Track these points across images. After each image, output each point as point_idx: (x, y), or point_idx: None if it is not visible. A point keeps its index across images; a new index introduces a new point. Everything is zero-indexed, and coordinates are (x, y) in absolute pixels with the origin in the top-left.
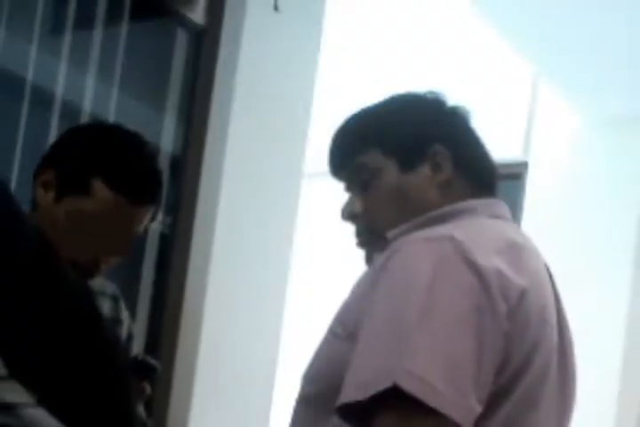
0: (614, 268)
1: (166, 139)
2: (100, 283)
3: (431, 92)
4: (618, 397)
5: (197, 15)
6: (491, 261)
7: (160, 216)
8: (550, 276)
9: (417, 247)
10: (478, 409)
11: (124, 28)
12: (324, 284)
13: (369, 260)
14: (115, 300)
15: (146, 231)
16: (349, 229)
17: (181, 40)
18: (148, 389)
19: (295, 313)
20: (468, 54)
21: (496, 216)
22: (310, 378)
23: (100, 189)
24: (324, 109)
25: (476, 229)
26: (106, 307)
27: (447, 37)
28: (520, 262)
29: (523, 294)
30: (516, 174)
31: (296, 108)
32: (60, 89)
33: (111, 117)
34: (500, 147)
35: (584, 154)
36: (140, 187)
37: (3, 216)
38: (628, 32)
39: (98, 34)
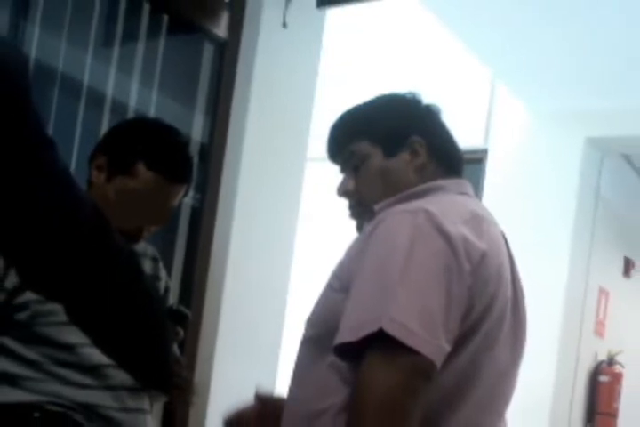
0: (556, 234)
1: (196, 130)
2: (142, 246)
3: (410, 93)
4: (559, 338)
5: (221, 31)
6: (457, 228)
7: (191, 193)
8: (506, 241)
9: (398, 218)
10: (447, 349)
11: (162, 41)
12: (323, 247)
13: (359, 228)
14: (154, 260)
15: (179, 205)
16: (343, 203)
17: (208, 51)
18: (181, 332)
19: (299, 272)
20: (439, 62)
21: (462, 193)
22: (312, 323)
23: (142, 170)
24: (323, 106)
25: (445, 203)
26: (147, 266)
27: (423, 48)
28: (481, 230)
29: (483, 255)
30: (478, 159)
31: (301, 105)
32: (110, 90)
33: (151, 113)
34: (464, 137)
35: (533, 143)
36: (175, 169)
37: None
38: (571, 42)
39: (141, 46)
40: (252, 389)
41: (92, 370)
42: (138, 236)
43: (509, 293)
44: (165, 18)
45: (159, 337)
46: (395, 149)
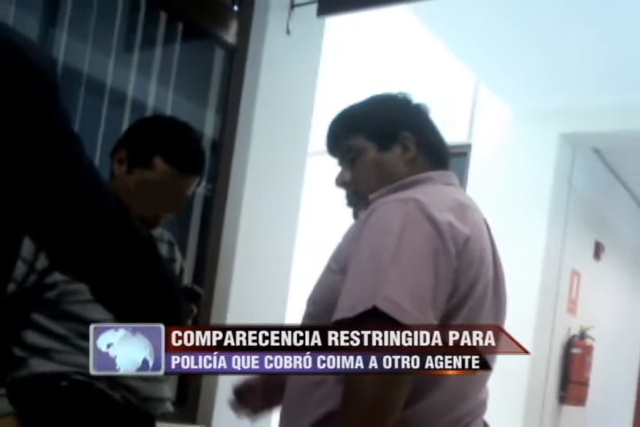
0: (533, 221)
1: (208, 127)
2: (159, 232)
3: (401, 93)
4: (535, 315)
5: (230, 37)
6: (444, 215)
7: (204, 183)
8: (487, 227)
9: (390, 206)
10: (435, 324)
11: (177, 46)
12: (323, 233)
13: (355, 215)
14: (170, 244)
15: (193, 194)
16: (341, 193)
17: (218, 56)
18: (194, 309)
19: (301, 256)
20: (428, 65)
21: (448, 183)
22: (312, 301)
23: (159, 163)
24: (323, 104)
25: (433, 192)
26: (163, 249)
27: (413, 52)
28: (465, 217)
29: (467, 240)
30: (462, 153)
31: (302, 104)
32: (130, 91)
33: (167, 111)
34: (450, 132)
35: (512, 138)
36: (189, 162)
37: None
38: (548, 47)
39: (158, 51)
40: None
41: None
42: (155, 222)
43: (491, 274)
44: (180, 26)
45: (175, 313)
46: (388, 143)
